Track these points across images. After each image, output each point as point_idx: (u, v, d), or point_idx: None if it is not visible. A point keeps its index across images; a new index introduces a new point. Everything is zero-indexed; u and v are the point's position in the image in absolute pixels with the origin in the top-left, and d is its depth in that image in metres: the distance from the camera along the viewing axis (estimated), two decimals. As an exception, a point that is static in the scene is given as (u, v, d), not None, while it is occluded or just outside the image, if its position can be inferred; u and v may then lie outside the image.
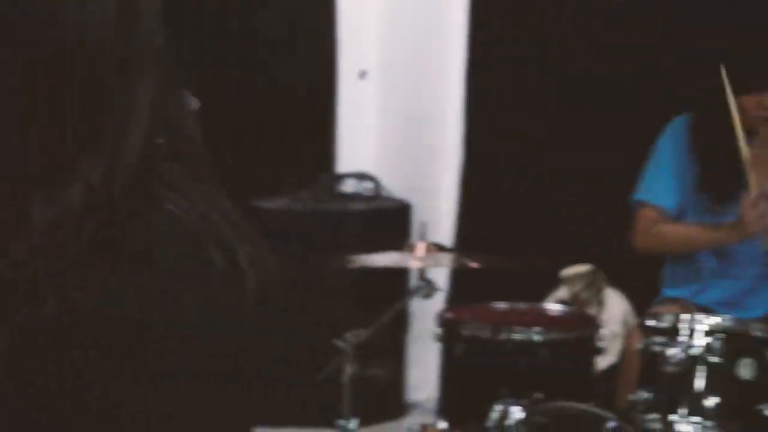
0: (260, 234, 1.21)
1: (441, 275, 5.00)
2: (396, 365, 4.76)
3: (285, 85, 5.07)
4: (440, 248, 3.52)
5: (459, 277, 4.89)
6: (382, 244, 3.84)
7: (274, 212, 4.86)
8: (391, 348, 4.56)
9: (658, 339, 2.95)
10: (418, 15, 5.16)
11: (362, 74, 5.24)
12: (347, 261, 3.67)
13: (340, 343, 3.27)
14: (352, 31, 5.17)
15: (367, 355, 3.32)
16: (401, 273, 4.37)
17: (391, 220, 4.96)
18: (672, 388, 2.91)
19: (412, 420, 4.69)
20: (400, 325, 4.57)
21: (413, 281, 3.51)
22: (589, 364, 3.35)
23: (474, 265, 3.55)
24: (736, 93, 3.50)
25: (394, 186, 5.09)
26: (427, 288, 3.35)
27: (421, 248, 3.38)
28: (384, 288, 4.22)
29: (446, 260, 3.53)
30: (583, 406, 3.06)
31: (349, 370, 3.28)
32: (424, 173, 5.19)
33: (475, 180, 4.96)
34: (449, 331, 3.35)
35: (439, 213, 5.08)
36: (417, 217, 4.89)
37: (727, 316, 3.02)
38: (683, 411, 2.91)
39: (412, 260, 3.40)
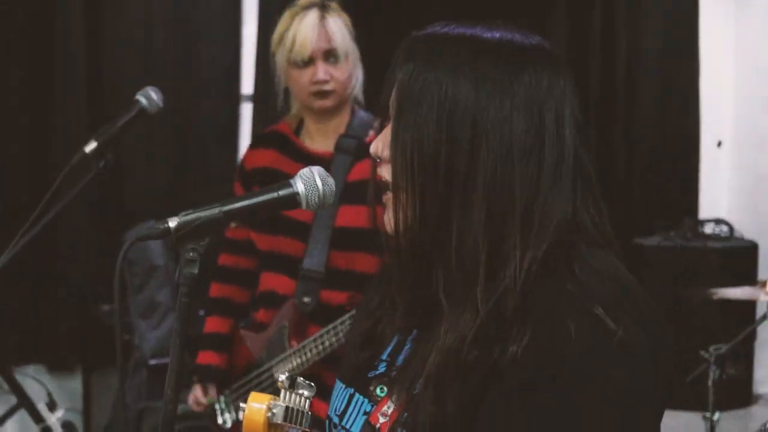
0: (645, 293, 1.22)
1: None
2: (746, 366, 5.03)
3: (656, 149, 5.43)
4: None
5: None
6: (734, 279, 4.25)
7: (649, 248, 5.10)
8: (742, 353, 4.57)
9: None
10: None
11: (719, 144, 5.60)
12: (710, 293, 4.03)
13: (705, 354, 3.56)
14: (710, 105, 5.47)
15: (724, 360, 3.52)
16: (749, 303, 4.66)
17: (741, 258, 5.12)
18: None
19: (758, 408, 5.05)
20: (748, 336, 4.54)
21: (763, 309, 3.82)
22: None
23: None
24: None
25: (745, 230, 5.34)
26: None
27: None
28: (736, 314, 4.59)
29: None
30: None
31: (711, 373, 3.57)
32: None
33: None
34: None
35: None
36: (765, 256, 5.24)
37: None
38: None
39: (762, 294, 3.73)
